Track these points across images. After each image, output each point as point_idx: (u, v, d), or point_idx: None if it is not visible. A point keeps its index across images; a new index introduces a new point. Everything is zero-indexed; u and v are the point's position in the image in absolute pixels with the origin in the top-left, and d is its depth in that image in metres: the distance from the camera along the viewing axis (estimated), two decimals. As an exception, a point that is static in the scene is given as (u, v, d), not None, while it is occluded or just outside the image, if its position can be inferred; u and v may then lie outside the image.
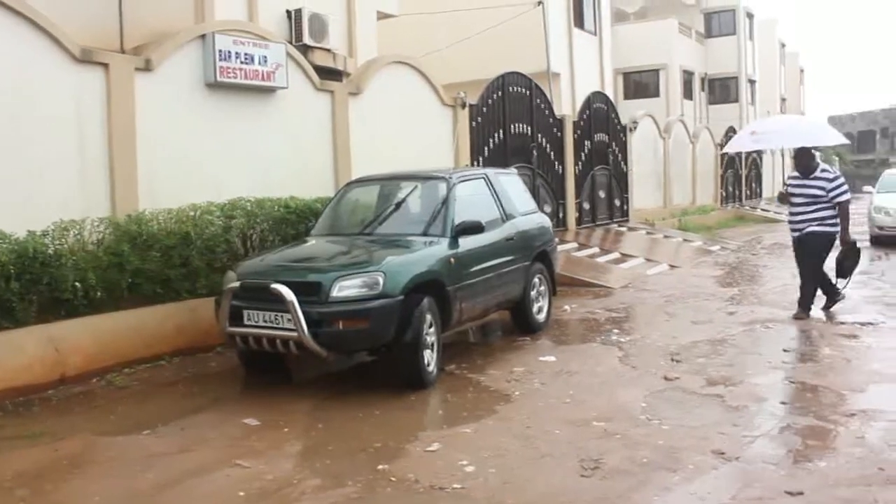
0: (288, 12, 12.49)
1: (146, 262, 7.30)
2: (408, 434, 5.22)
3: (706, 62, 36.04)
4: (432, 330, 6.39)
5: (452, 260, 6.76)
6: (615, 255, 14.21)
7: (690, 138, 23.78)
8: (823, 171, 8.62)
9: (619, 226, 17.81)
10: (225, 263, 7.75)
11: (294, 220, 8.66)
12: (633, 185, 19.06)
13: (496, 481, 4.38)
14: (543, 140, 15.22)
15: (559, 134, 15.89)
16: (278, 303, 5.87)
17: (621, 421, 5.34)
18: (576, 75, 22.63)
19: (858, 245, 8.92)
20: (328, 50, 12.75)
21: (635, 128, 19.32)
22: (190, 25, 9.42)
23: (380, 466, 4.63)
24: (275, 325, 5.98)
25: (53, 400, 6.28)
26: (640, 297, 10.68)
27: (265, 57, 9.14)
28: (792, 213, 8.79)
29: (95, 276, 6.89)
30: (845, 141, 10.01)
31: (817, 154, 9.42)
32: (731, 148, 11.00)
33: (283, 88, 9.45)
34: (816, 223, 8.48)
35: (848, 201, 8.51)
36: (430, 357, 6.33)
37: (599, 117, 17.63)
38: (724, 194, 26.54)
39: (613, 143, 18.14)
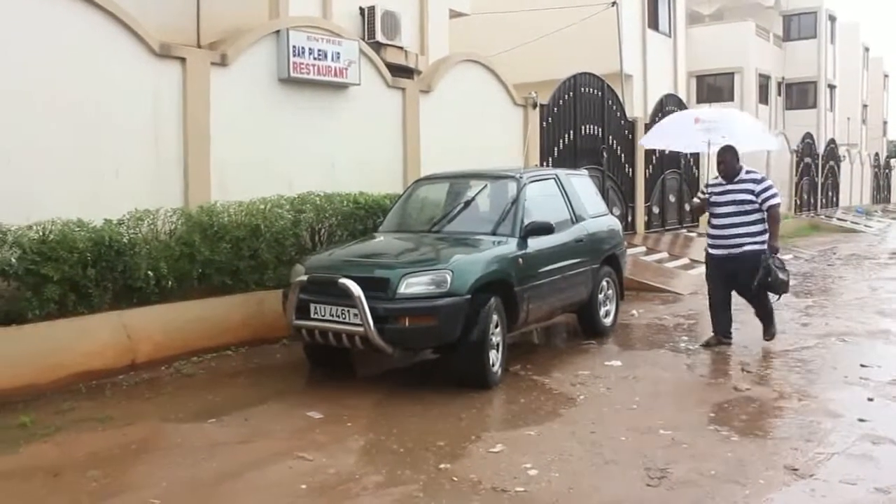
0: (361, 9, 12.58)
1: (216, 253, 7.40)
2: (470, 434, 5.17)
3: (784, 66, 35.11)
4: (498, 330, 6.33)
5: (521, 260, 6.69)
6: (684, 260, 13.93)
7: (765, 144, 23.15)
8: (748, 172, 7.55)
9: (689, 231, 17.46)
10: (293, 257, 7.83)
11: (362, 216, 8.71)
12: (704, 190, 18.63)
13: (560, 486, 4.30)
14: (614, 142, 15.02)
15: (630, 136, 15.65)
16: (345, 297, 5.88)
17: (689, 430, 5.20)
18: (648, 77, 22.30)
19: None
20: (400, 47, 12.79)
21: (709, 132, 18.88)
22: (265, 21, 9.54)
23: (442, 465, 4.60)
24: (341, 320, 5.99)
25: (124, 385, 6.41)
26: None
27: (338, 53, 9.20)
28: (716, 227, 7.54)
29: (167, 266, 7.02)
30: (784, 147, 9.47)
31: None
32: (665, 141, 9.81)
33: (355, 85, 9.50)
34: (750, 238, 7.35)
35: (778, 204, 7.43)
36: (495, 357, 6.27)
37: (672, 120, 17.29)
38: (798, 202, 25.83)
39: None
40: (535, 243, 6.94)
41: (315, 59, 8.96)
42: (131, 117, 7.48)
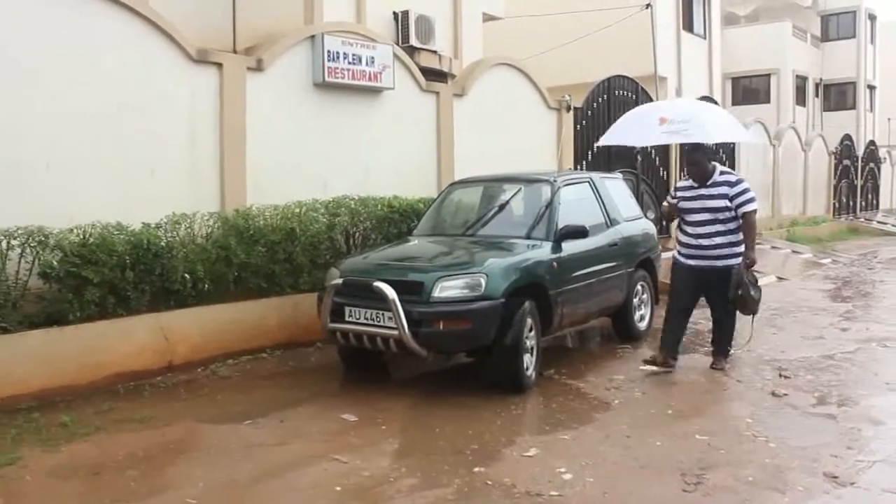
0: (395, 14, 12.64)
1: (252, 256, 7.47)
2: (505, 438, 5.16)
3: (822, 67, 34.60)
4: (532, 334, 6.32)
5: (555, 264, 6.67)
6: (720, 264, 13.76)
7: (802, 146, 22.87)
8: (723, 173, 6.74)
9: (725, 234, 17.25)
10: (328, 260, 7.87)
11: (397, 220, 8.74)
12: (740, 193, 18.43)
13: (595, 491, 4.28)
14: (649, 146, 14.89)
15: (664, 139, 15.51)
16: (380, 301, 5.91)
17: (725, 436, 5.15)
18: (683, 79, 22.13)
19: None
20: (434, 51, 12.83)
21: (744, 134, 18.68)
22: (300, 27, 9.61)
23: (476, 469, 4.59)
24: (376, 323, 6.02)
25: (161, 386, 6.50)
26: (746, 309, 10.29)
27: (372, 58, 9.25)
28: (691, 236, 6.76)
29: (204, 269, 7.10)
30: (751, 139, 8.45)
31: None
32: (627, 138, 8.55)
33: (389, 89, 9.54)
34: (733, 250, 6.63)
35: (754, 211, 6.63)
36: (529, 361, 6.26)
37: (707, 123, 17.13)
38: (837, 205, 25.42)
39: (721, 150, 17.61)
40: (570, 247, 6.92)
41: (350, 63, 9.01)
42: (169, 122, 7.58)
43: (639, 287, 8.18)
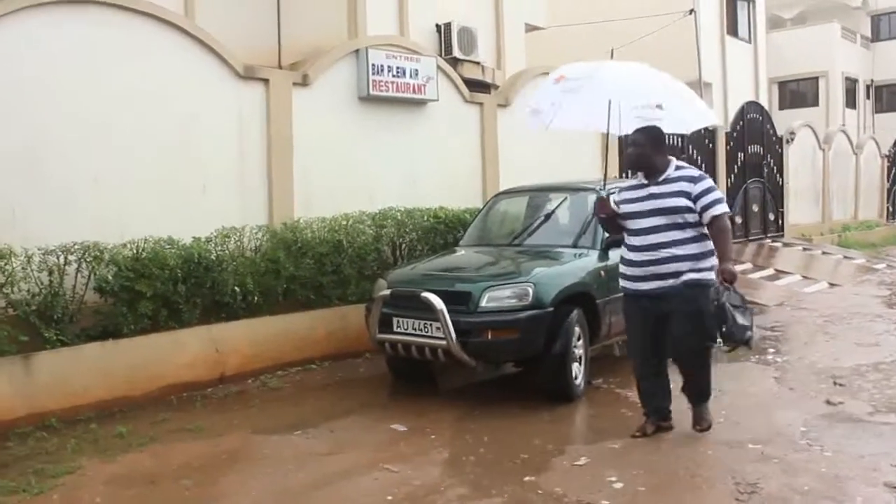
0: (437, 26, 12.70)
1: (300, 268, 7.56)
2: (554, 447, 5.14)
3: (872, 68, 33.90)
4: (580, 343, 6.29)
5: (602, 272, 6.63)
6: (769, 271, 13.58)
7: (853, 149, 22.43)
8: (679, 168, 5.18)
9: (774, 241, 17.00)
10: (375, 271, 7.94)
11: (443, 230, 8.78)
12: (788, 198, 18.17)
13: (646, 500, 4.24)
14: (694, 152, 14.76)
15: (710, 145, 15.37)
16: (428, 311, 5.93)
17: (779, 445, 5.05)
18: (728, 85, 21.90)
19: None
20: (477, 62, 12.87)
21: (792, 139, 18.42)
22: (344, 41, 9.73)
23: (526, 478, 4.58)
24: (424, 334, 6.05)
25: (213, 397, 6.60)
26: (796, 316, 10.14)
27: (416, 70, 9.32)
28: (636, 249, 5.16)
29: (253, 281, 7.21)
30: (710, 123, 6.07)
31: None
32: (535, 114, 6.05)
33: (433, 101, 9.61)
34: (690, 264, 5.03)
35: (724, 214, 5.04)
36: (577, 370, 6.23)
37: (753, 128, 16.93)
38: (890, 209, 24.84)
39: (768, 155, 17.38)
40: (617, 255, 6.85)
41: (394, 76, 9.10)
42: (217, 138, 7.72)
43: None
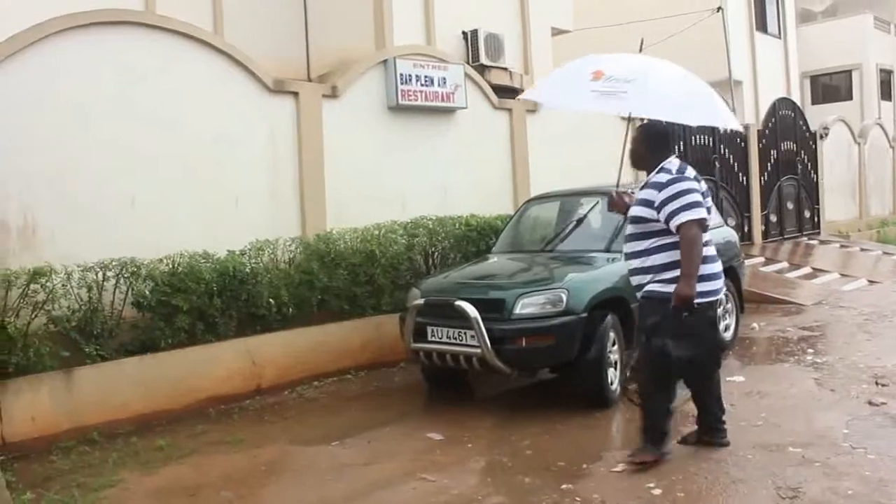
0: (464, 33, 12.70)
1: (334, 279, 7.61)
2: (591, 453, 5.12)
3: (908, 58, 33.27)
4: (615, 348, 6.26)
5: (635, 277, 6.59)
6: (806, 269, 13.39)
7: (890, 143, 22.08)
8: (660, 171, 4.77)
9: (810, 239, 16.78)
10: (408, 281, 7.96)
11: (475, 238, 8.78)
12: (824, 195, 17.92)
13: (687, 507, 4.21)
14: (726, 151, 14.62)
15: (742, 144, 15.20)
16: (462, 319, 5.94)
17: (821, 448, 4.97)
18: (759, 81, 21.63)
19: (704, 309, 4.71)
20: (504, 68, 12.85)
21: (826, 134, 18.17)
22: (371, 51, 9.79)
23: (563, 486, 4.56)
24: (458, 342, 6.06)
25: (250, 409, 6.66)
26: (835, 315, 9.98)
27: (444, 78, 9.35)
28: (627, 254, 4.95)
29: (287, 293, 7.27)
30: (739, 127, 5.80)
31: None
32: (552, 97, 6.16)
33: (462, 108, 9.63)
34: (652, 276, 4.70)
35: (692, 223, 4.53)
36: (613, 375, 6.20)
37: (786, 125, 16.73)
38: (931, 205, 24.41)
39: (802, 152, 17.15)
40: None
41: (422, 85, 9.14)
42: (249, 152, 7.80)
43: (722, 296, 8.01)
